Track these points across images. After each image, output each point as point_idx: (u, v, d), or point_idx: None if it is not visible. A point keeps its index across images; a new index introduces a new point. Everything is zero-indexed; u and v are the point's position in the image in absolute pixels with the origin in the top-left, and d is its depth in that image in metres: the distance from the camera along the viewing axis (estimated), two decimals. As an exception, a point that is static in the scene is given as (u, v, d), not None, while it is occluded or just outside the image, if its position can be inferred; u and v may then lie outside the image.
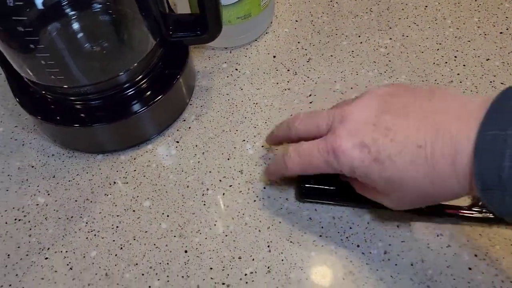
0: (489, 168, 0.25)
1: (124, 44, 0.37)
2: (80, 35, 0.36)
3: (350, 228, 0.37)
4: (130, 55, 0.38)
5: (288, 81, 0.46)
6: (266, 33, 0.51)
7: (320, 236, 0.36)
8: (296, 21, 0.52)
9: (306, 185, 0.38)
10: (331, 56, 0.48)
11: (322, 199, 0.38)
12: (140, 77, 0.40)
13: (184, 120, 0.44)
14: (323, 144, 0.31)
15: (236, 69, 0.48)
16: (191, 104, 0.45)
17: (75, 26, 0.35)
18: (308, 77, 0.47)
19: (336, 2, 0.53)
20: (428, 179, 0.28)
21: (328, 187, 0.37)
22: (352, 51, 0.48)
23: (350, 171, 0.30)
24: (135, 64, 0.38)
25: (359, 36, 0.50)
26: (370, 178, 0.30)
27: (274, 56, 0.49)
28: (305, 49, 0.49)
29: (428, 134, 0.28)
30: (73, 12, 0.35)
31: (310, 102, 0.45)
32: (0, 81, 0.48)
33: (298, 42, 0.50)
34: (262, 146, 0.42)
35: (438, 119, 0.28)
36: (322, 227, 0.37)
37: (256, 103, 0.45)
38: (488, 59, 0.47)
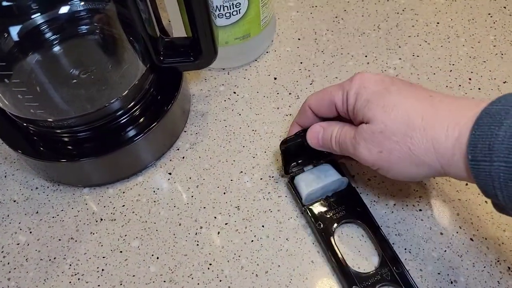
0: (483, 136, 0.24)
1: (111, 71, 0.34)
2: (62, 64, 0.33)
3: (355, 262, 0.33)
4: (118, 82, 0.35)
5: (289, 106, 0.43)
6: (267, 52, 0.48)
7: (322, 281, 0.33)
8: (299, 39, 0.48)
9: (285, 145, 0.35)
10: (336, 78, 0.45)
11: (303, 164, 0.37)
12: (131, 104, 0.37)
13: (178, 149, 0.41)
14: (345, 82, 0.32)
15: (234, 92, 0.45)
16: (185, 131, 0.42)
17: (56, 54, 0.32)
18: (311, 101, 0.43)
19: (342, 18, 0.50)
20: (421, 113, 0.27)
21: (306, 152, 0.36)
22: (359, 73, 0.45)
23: (355, 92, 0.30)
24: (125, 92, 0.36)
25: (366, 56, 0.46)
26: (368, 100, 0.29)
27: (275, 78, 0.45)
28: (308, 70, 0.46)
29: (445, 95, 0.28)
30: (53, 40, 0.32)
31: (313, 130, 0.41)
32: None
33: (301, 63, 0.46)
34: (261, 179, 0.39)
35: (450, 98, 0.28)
36: (328, 273, 0.34)
37: (255, 130, 0.42)
38: (506, 81, 0.43)
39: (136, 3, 0.32)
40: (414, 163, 0.28)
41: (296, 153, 0.36)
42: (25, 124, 0.36)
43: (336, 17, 0.50)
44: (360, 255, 0.34)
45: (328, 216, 0.35)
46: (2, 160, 0.41)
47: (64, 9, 0.31)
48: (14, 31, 0.29)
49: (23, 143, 0.37)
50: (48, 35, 0.33)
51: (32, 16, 0.33)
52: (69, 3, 0.32)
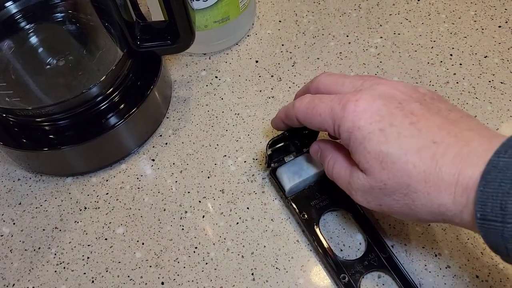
0: (493, 194, 0.22)
1: (87, 57, 0.33)
2: (37, 52, 0.32)
3: (341, 250, 0.34)
4: (96, 69, 0.35)
5: (272, 88, 0.43)
6: (248, 35, 0.47)
7: (309, 260, 0.33)
8: (280, 21, 0.48)
9: (271, 148, 0.35)
10: (318, 59, 0.45)
11: (286, 155, 0.37)
12: (110, 90, 0.37)
13: (161, 135, 0.41)
14: (339, 96, 0.28)
15: (216, 77, 0.44)
16: (167, 117, 0.42)
17: (30, 42, 0.32)
18: (293, 83, 0.43)
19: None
20: (423, 176, 0.25)
21: (292, 143, 0.36)
22: (340, 53, 0.45)
23: (347, 130, 0.27)
24: (103, 78, 0.35)
25: (347, 36, 0.46)
26: (363, 146, 0.26)
27: (257, 61, 0.45)
28: (290, 52, 0.46)
29: (449, 136, 0.25)
30: (28, 28, 0.32)
31: (296, 111, 0.41)
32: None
33: (282, 45, 0.46)
34: (245, 162, 0.39)
35: (462, 127, 0.26)
36: (311, 250, 0.34)
37: (238, 114, 0.42)
38: (486, 56, 0.44)
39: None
40: (416, 217, 0.26)
41: (280, 151, 0.36)
42: (4, 115, 0.36)
43: (316, -2, 0.50)
44: (346, 242, 0.34)
45: (312, 205, 0.35)
46: (-17, 152, 0.41)
47: (36, -4, 0.31)
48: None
49: (3, 134, 0.37)
50: (22, 23, 0.33)
51: (6, 5, 0.33)
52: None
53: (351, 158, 0.28)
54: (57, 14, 0.34)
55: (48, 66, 0.33)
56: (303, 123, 0.31)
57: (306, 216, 0.35)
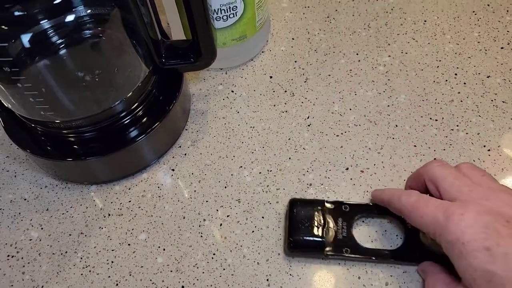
0: None
1: (116, 74, 0.36)
2: (69, 68, 0.34)
3: (352, 260, 0.36)
4: (123, 84, 0.37)
5: (285, 103, 0.45)
6: (262, 52, 0.50)
7: (321, 267, 0.35)
8: (293, 39, 0.50)
9: (294, 237, 0.35)
10: (329, 75, 0.47)
11: (310, 251, 0.36)
12: (134, 105, 0.39)
13: (180, 146, 0.43)
14: (445, 206, 0.29)
15: (232, 91, 0.47)
16: (186, 129, 0.44)
17: (64, 59, 0.34)
18: (305, 98, 0.46)
19: (333, 18, 0.52)
20: None
21: (316, 239, 0.35)
22: (350, 70, 0.47)
23: (449, 241, 0.27)
24: (129, 94, 0.37)
25: (357, 54, 0.49)
26: (468, 262, 0.27)
27: (271, 77, 0.48)
28: (302, 69, 0.48)
29: None
30: (61, 45, 0.34)
31: (308, 125, 0.44)
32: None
33: (295, 61, 0.49)
34: (260, 173, 0.41)
35: None
36: (322, 258, 0.36)
37: (253, 127, 0.44)
38: (489, 76, 0.46)
39: (138, 8, 0.34)
40: None
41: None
42: (33, 125, 0.38)
43: (327, 17, 0.52)
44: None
45: None
46: (12, 160, 0.43)
47: (70, 16, 0.33)
48: (25, 38, 0.30)
49: (31, 143, 0.39)
50: (56, 40, 0.35)
51: (40, 23, 0.35)
52: (75, 9, 0.34)
53: (452, 275, 0.30)
54: (87, 32, 0.36)
55: (79, 82, 0.35)
56: (405, 218, 0.32)
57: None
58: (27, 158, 0.43)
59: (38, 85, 0.32)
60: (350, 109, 0.44)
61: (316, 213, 0.36)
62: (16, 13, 0.30)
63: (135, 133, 0.39)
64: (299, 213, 0.36)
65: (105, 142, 0.39)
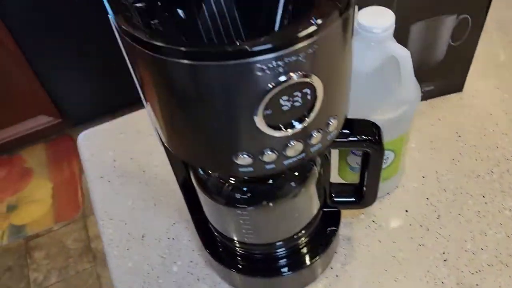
0: None
1: (304, 213, 0.45)
2: (275, 214, 0.44)
3: None
4: (301, 218, 0.46)
5: (421, 237, 0.53)
6: (397, 186, 0.58)
7: None
8: (423, 177, 0.59)
9: None
10: (459, 214, 0.54)
11: None
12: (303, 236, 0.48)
13: (331, 268, 0.51)
14: None
15: (373, 221, 0.55)
16: (336, 252, 0.52)
17: (273, 208, 0.43)
18: (439, 234, 0.53)
19: (458, 161, 0.60)
20: None
21: None
22: (479, 211, 0.54)
23: None
24: (306, 224, 0.47)
25: (483, 196, 0.56)
26: None
27: (406, 211, 0.55)
28: (434, 206, 0.55)
29: None
30: (273, 198, 0.43)
31: (445, 260, 0.50)
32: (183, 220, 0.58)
33: (427, 198, 0.56)
34: (404, 301, 0.47)
35: None
36: None
37: (394, 256, 0.51)
38: None
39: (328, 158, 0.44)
40: None
41: None
42: (229, 243, 0.48)
43: (453, 159, 0.60)
44: None
45: None
46: (194, 265, 0.53)
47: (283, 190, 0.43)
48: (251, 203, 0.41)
49: (227, 259, 0.49)
50: (268, 196, 0.44)
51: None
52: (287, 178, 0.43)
53: None
54: (293, 186, 0.44)
55: (280, 222, 0.45)
56: None
57: None
58: (206, 263, 0.53)
59: (253, 222, 0.43)
60: (482, 249, 0.51)
61: None
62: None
63: (302, 259, 0.48)
64: None
65: (273, 263, 0.48)
